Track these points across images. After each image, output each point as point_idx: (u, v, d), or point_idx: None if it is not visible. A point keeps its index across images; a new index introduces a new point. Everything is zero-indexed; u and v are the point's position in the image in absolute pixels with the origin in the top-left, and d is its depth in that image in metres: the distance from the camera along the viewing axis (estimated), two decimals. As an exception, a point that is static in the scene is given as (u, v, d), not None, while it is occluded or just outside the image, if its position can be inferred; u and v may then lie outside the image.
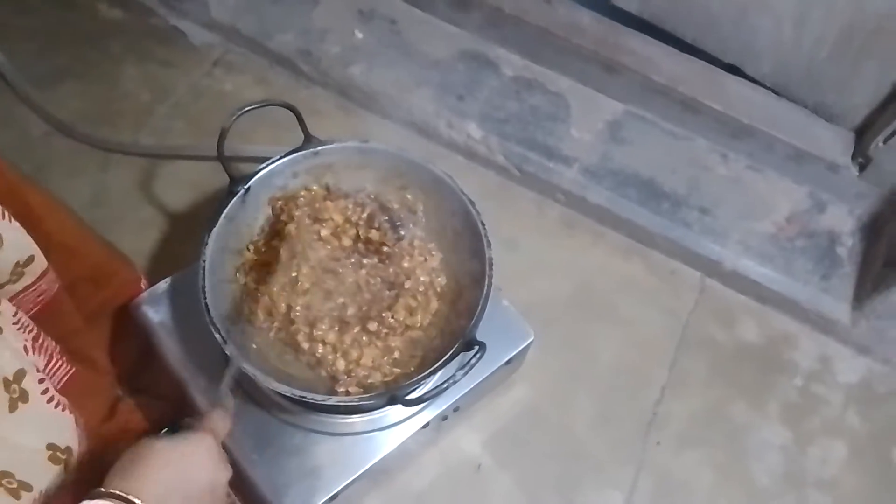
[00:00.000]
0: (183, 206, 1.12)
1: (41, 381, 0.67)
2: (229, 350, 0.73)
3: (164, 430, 0.83)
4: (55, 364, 0.76)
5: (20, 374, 0.65)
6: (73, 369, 0.79)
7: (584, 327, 1.09)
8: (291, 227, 0.83)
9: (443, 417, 0.89)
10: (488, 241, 0.81)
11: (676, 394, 1.05)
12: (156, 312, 0.88)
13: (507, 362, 0.91)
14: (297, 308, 0.80)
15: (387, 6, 1.27)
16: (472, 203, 0.83)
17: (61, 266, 0.79)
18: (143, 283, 0.96)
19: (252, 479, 0.80)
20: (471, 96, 1.20)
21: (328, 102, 1.24)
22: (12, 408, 0.62)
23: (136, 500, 0.54)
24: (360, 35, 1.24)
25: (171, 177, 1.14)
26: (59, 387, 0.76)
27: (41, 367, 0.73)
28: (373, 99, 1.21)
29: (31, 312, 0.78)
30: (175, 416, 0.86)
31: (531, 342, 0.92)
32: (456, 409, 0.91)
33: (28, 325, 0.73)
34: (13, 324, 0.70)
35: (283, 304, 0.80)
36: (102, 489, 0.55)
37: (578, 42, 1.17)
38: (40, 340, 0.74)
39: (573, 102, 1.21)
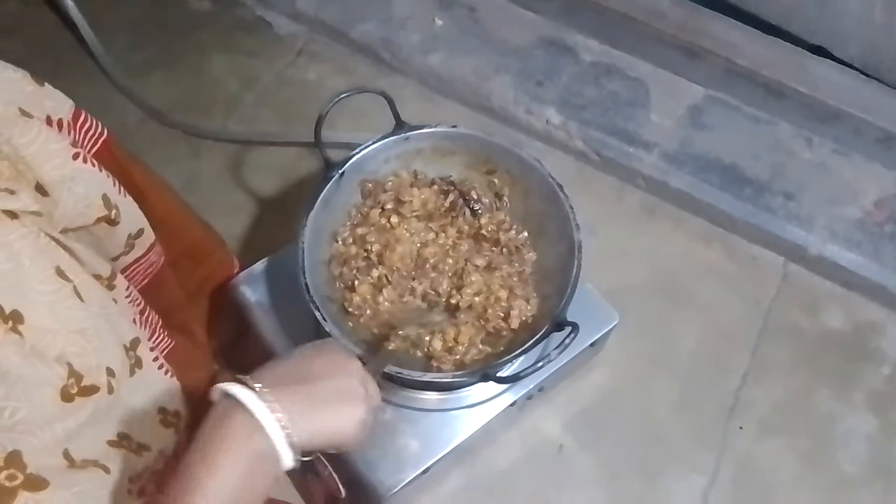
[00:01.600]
0: (272, 191, 1.16)
1: (151, 349, 0.72)
2: (328, 328, 0.76)
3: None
4: (158, 337, 0.81)
5: (136, 342, 0.69)
6: (174, 343, 0.84)
7: (664, 313, 1.09)
8: (375, 213, 0.87)
9: (528, 397, 0.91)
10: (577, 224, 0.83)
11: (759, 380, 1.05)
12: (253, 292, 0.92)
13: (592, 344, 0.92)
14: (387, 300, 0.84)
15: (465, -7, 1.29)
16: (561, 187, 0.85)
17: (164, 242, 0.83)
18: (237, 264, 1.00)
19: (347, 453, 0.83)
20: (549, 82, 1.21)
21: (408, 90, 1.27)
22: (132, 372, 0.67)
23: (255, 385, 0.53)
24: (439, 23, 1.26)
25: (259, 162, 1.19)
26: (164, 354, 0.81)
27: (145, 339, 0.77)
28: (452, 86, 1.23)
29: (141, 285, 0.82)
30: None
31: (616, 325, 0.93)
32: (541, 390, 0.93)
33: (137, 299, 0.77)
34: (125, 297, 0.74)
35: (374, 297, 0.84)
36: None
37: (659, 26, 1.17)
38: (146, 314, 0.78)
39: (653, 87, 1.21)
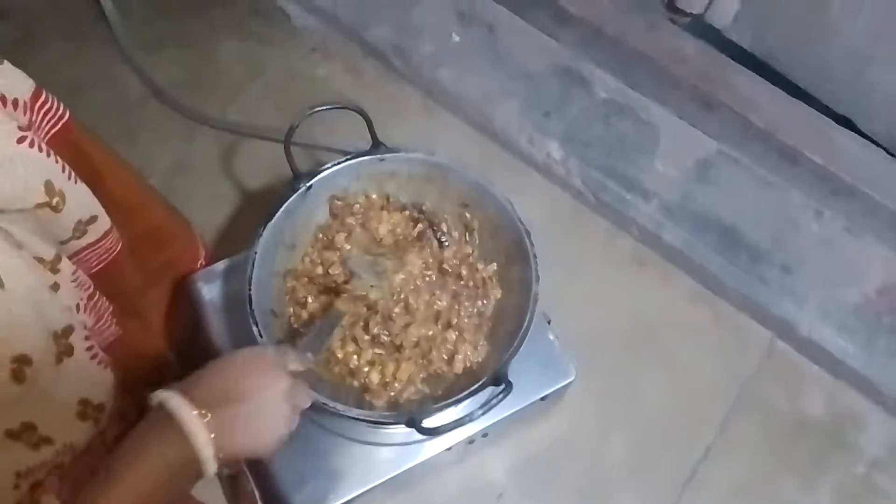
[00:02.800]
0: (258, 186, 1.15)
1: (87, 337, 0.71)
2: (263, 344, 0.75)
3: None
4: (104, 324, 0.80)
5: (69, 330, 0.68)
6: (122, 332, 0.83)
7: (636, 368, 1.06)
8: (341, 238, 0.85)
9: (469, 441, 0.89)
10: (537, 276, 0.80)
11: (722, 456, 1.01)
12: (208, 291, 0.92)
13: (543, 398, 0.89)
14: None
15: (488, 11, 1.26)
16: (528, 234, 0.82)
17: (122, 224, 0.82)
18: (202, 251, 0.99)
19: (270, 470, 0.82)
20: (558, 114, 1.17)
21: (414, 100, 1.25)
22: (58, 360, 0.66)
23: (191, 400, 0.56)
24: (456, 38, 1.23)
25: (251, 155, 1.18)
26: (103, 346, 0.80)
27: (89, 325, 0.76)
28: (458, 104, 1.21)
29: (94, 270, 0.82)
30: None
31: (570, 382, 0.90)
32: (485, 436, 0.90)
33: (85, 284, 0.76)
34: (71, 281, 0.73)
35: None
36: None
37: (679, 72, 1.12)
38: (95, 299, 0.78)
39: (664, 134, 1.16)
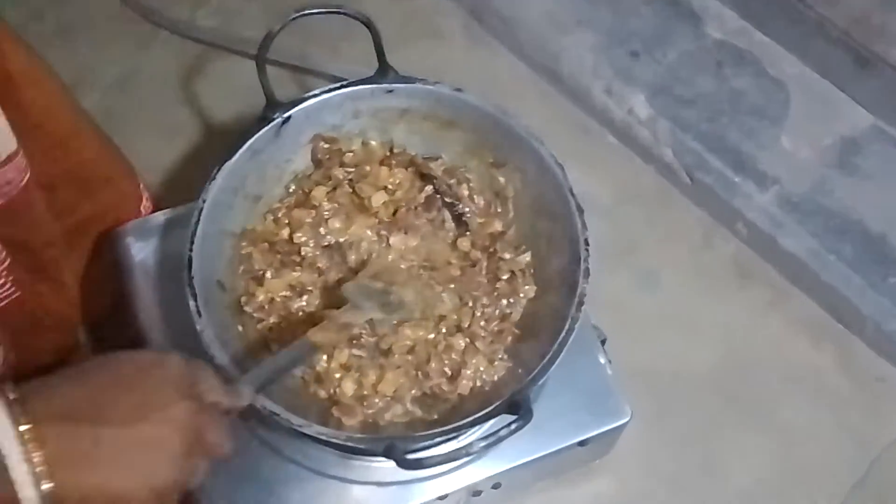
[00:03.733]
0: (228, 118, 1.18)
1: None
2: (202, 325, 0.77)
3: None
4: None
5: None
6: (18, 294, 0.86)
7: (721, 422, 1.06)
8: (321, 193, 0.87)
9: (473, 492, 0.90)
10: (587, 269, 0.80)
11: (834, 557, 1.01)
12: (141, 248, 0.95)
13: (582, 443, 0.90)
14: (301, 310, 0.84)
15: None
16: (581, 212, 0.82)
17: (37, 155, 0.83)
18: (145, 203, 1.02)
19: (196, 498, 0.84)
20: (649, 56, 1.18)
21: (453, 19, 1.27)
22: None
23: (21, 414, 0.52)
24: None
25: (223, 76, 1.21)
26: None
27: None
28: (513, 30, 1.22)
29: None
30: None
31: (624, 424, 0.90)
32: (496, 487, 0.91)
33: None
34: None
35: (287, 301, 0.84)
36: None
37: (825, 12, 1.12)
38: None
39: (797, 97, 1.17)
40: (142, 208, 1.02)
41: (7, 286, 0.83)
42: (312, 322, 0.83)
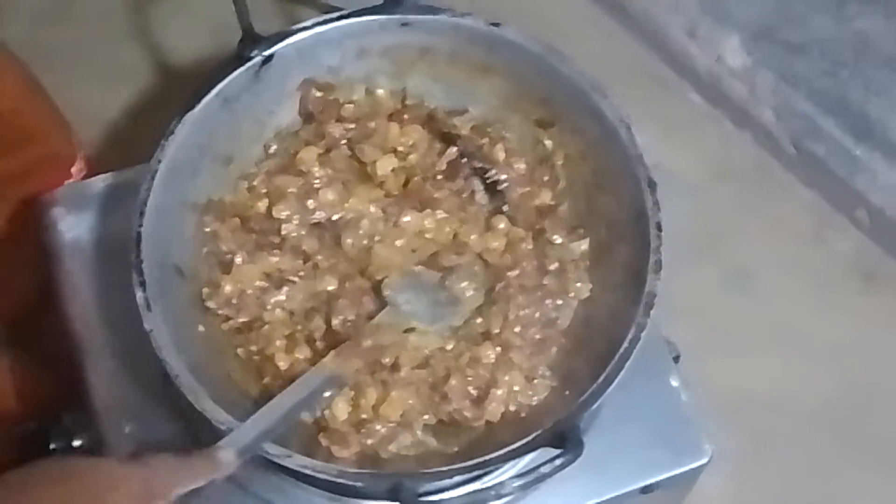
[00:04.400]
0: (189, 59, 1.19)
1: None
2: (151, 324, 0.76)
3: (25, 426, 0.90)
4: None
5: None
6: None
7: (834, 466, 1.07)
8: (312, 154, 0.87)
9: (505, 552, 0.90)
10: (658, 262, 0.79)
11: None
12: (73, 222, 0.95)
13: (646, 489, 0.89)
14: (281, 308, 0.84)
15: None
16: (653, 187, 0.81)
17: None
18: (79, 164, 1.03)
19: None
20: (749, -12, 1.18)
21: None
22: None
23: None
24: None
25: (187, 5, 1.21)
26: None
27: None
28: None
29: None
30: (56, 404, 0.91)
31: (703, 465, 0.90)
32: (528, 539, 0.91)
33: None
34: None
35: (262, 295, 0.84)
36: None
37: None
38: None
39: (940, 44, 1.16)
40: (73, 170, 1.03)
41: None
42: (291, 326, 0.85)
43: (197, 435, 0.86)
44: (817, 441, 1.08)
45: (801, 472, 1.06)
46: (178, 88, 1.16)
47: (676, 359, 0.92)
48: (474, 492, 0.72)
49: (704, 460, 0.89)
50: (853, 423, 1.09)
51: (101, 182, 0.96)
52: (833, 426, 1.08)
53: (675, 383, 0.91)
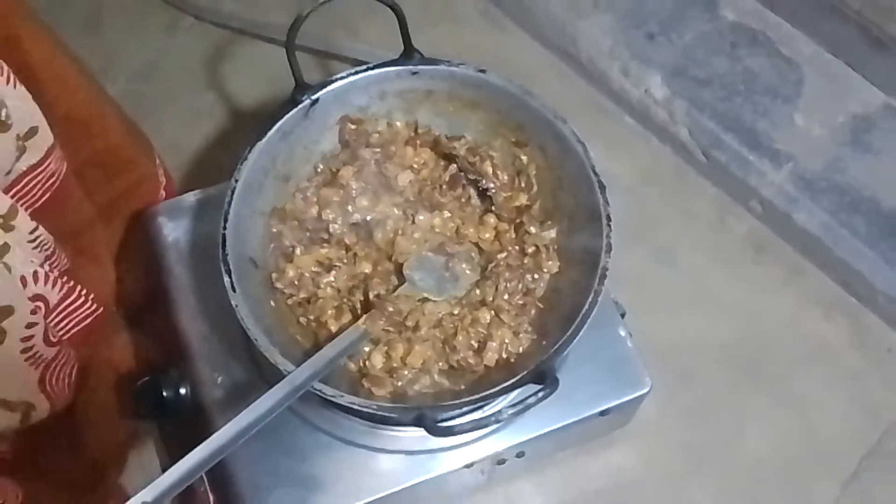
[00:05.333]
0: (253, 102, 1.19)
1: (31, 325, 0.73)
2: (236, 300, 0.78)
3: (141, 381, 0.91)
4: (74, 302, 0.83)
5: (7, 311, 0.71)
6: (99, 310, 0.86)
7: (737, 393, 1.07)
8: (349, 173, 0.87)
9: (498, 461, 0.91)
10: (609, 244, 0.80)
11: (845, 523, 1.02)
12: (172, 229, 0.95)
13: (604, 413, 0.91)
14: (330, 285, 0.85)
15: None
16: (603, 188, 0.82)
17: (67, 143, 0.84)
18: (164, 184, 1.03)
19: (229, 469, 0.85)
20: (665, 38, 1.18)
21: (471, 5, 1.27)
22: None
23: None
24: (536, -77, 1.25)
25: (247, 61, 1.22)
26: (72, 332, 0.84)
27: (54, 301, 0.79)
28: (530, 13, 1.23)
29: (41, 202, 0.84)
30: (164, 367, 0.93)
31: (644, 394, 0.91)
32: (520, 455, 0.92)
33: (45, 243, 0.79)
34: (28, 241, 0.76)
35: (316, 277, 0.85)
36: None
37: (841, -7, 1.12)
38: (55, 262, 0.81)
39: (811, 77, 1.17)
40: (162, 190, 1.02)
41: (89, 305, 0.85)
42: (339, 299, 0.86)
43: (268, 379, 0.87)
44: (724, 374, 1.08)
45: (714, 397, 1.07)
46: (245, 126, 1.16)
47: (623, 315, 0.94)
48: (478, 419, 0.73)
49: (645, 390, 0.91)
50: (750, 359, 1.09)
51: (192, 197, 0.97)
52: (735, 363, 1.09)
53: (622, 333, 0.92)
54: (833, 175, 1.12)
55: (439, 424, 0.74)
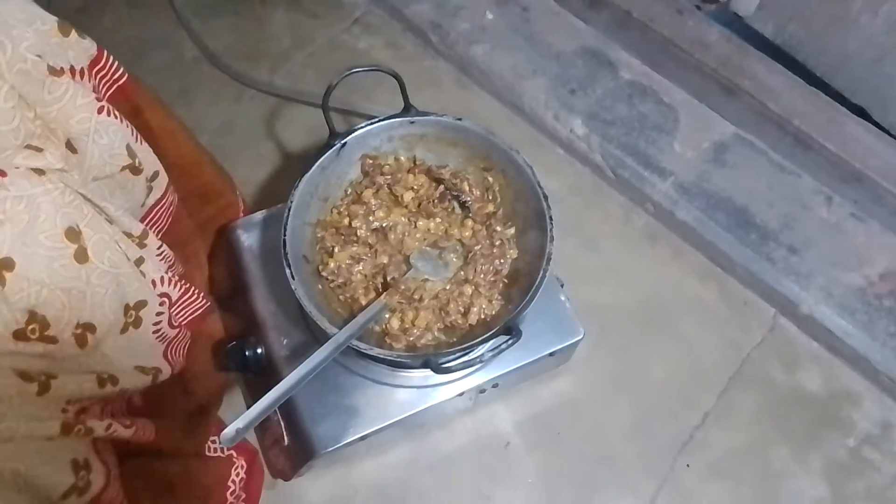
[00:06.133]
0: (297, 148, 1.18)
1: (159, 313, 0.73)
2: (295, 286, 0.77)
3: (231, 345, 0.90)
4: (191, 297, 0.82)
5: (141, 304, 0.71)
6: (208, 304, 0.85)
7: (641, 338, 1.07)
8: (369, 194, 0.87)
9: (480, 390, 0.91)
10: (552, 237, 0.80)
11: (719, 423, 1.01)
12: (247, 238, 0.94)
13: (552, 354, 0.90)
14: (359, 272, 0.85)
15: (523, -8, 1.26)
16: (546, 198, 0.82)
17: (175, 181, 0.83)
18: (242, 207, 1.02)
19: (294, 404, 0.85)
20: (583, 92, 1.17)
21: (448, 75, 1.26)
22: (123, 330, 0.69)
23: None
24: (490, 16, 1.24)
25: (293, 119, 1.20)
26: (188, 318, 0.83)
27: (175, 297, 0.79)
28: (489, 79, 1.21)
29: (165, 228, 0.84)
30: (246, 335, 0.91)
31: (579, 340, 0.91)
32: (495, 386, 0.92)
33: (169, 257, 0.79)
34: (156, 255, 0.76)
35: (350, 267, 0.84)
36: None
37: (701, 57, 1.12)
38: (174, 266, 0.80)
39: (683, 117, 1.16)
40: (241, 212, 1.02)
41: (200, 300, 0.84)
42: (366, 282, 0.85)
43: (319, 341, 0.86)
44: (632, 325, 1.07)
45: (626, 340, 1.06)
46: (293, 164, 1.15)
47: (562, 286, 0.93)
48: (467, 360, 0.73)
49: (579, 337, 0.91)
50: (649, 314, 1.08)
51: (259, 215, 0.96)
52: (639, 316, 1.08)
53: (562, 298, 0.92)
54: (702, 183, 1.11)
55: (441, 366, 0.75)
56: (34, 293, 0.59)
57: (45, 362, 0.60)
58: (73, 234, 0.62)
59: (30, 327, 0.58)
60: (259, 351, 0.88)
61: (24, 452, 0.55)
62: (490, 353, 0.71)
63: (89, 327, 0.63)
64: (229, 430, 0.61)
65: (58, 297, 0.60)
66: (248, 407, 0.64)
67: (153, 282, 0.74)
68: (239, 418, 0.62)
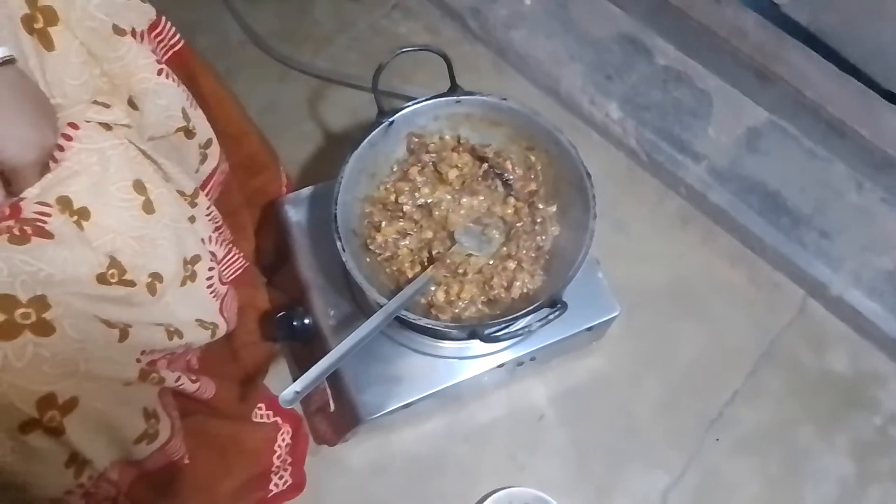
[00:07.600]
0: (339, 128, 1.18)
1: (210, 269, 0.74)
2: (345, 258, 0.78)
3: (279, 314, 0.91)
4: (232, 257, 0.84)
5: (196, 259, 0.72)
6: (247, 264, 0.86)
7: (673, 318, 1.06)
8: (415, 171, 0.87)
9: (518, 363, 0.91)
10: (594, 214, 0.80)
11: (747, 401, 1.01)
12: (295, 213, 0.95)
13: (589, 329, 0.91)
14: (406, 247, 0.85)
15: (560, -21, 1.25)
16: (589, 176, 0.82)
17: (224, 151, 0.84)
18: (285, 182, 1.02)
19: (341, 372, 0.86)
20: (619, 78, 1.17)
21: (485, 60, 1.25)
22: (182, 283, 0.70)
23: None
24: (528, 2, 1.23)
25: (335, 100, 1.21)
26: (231, 277, 0.84)
27: (220, 256, 0.80)
28: (526, 64, 1.21)
29: (218, 194, 0.85)
30: (294, 305, 0.92)
31: (616, 316, 0.91)
32: (532, 359, 0.92)
33: (216, 219, 0.80)
34: (205, 215, 0.77)
35: (396, 241, 0.85)
36: None
37: (737, 44, 1.10)
38: (221, 231, 0.81)
39: (718, 102, 1.15)
40: (283, 185, 1.02)
41: (240, 261, 0.85)
42: (412, 256, 0.86)
43: (365, 312, 0.88)
44: (663, 304, 1.07)
45: (657, 320, 1.06)
46: (335, 144, 1.15)
47: (598, 264, 0.93)
48: (514, 330, 0.74)
49: (616, 313, 0.91)
50: (680, 294, 1.08)
51: (306, 192, 0.96)
52: (671, 297, 1.08)
53: (600, 275, 0.92)
54: (735, 168, 1.11)
55: (490, 336, 0.75)
56: (109, 240, 0.60)
57: (124, 310, 0.61)
58: (140, 186, 0.63)
59: (110, 271, 0.60)
60: (307, 321, 0.89)
61: (106, 394, 0.57)
62: (538, 324, 0.72)
63: (157, 276, 0.65)
64: (288, 392, 0.62)
65: (130, 244, 0.62)
66: (294, 377, 0.64)
67: (203, 240, 0.75)
68: (297, 380, 0.63)
